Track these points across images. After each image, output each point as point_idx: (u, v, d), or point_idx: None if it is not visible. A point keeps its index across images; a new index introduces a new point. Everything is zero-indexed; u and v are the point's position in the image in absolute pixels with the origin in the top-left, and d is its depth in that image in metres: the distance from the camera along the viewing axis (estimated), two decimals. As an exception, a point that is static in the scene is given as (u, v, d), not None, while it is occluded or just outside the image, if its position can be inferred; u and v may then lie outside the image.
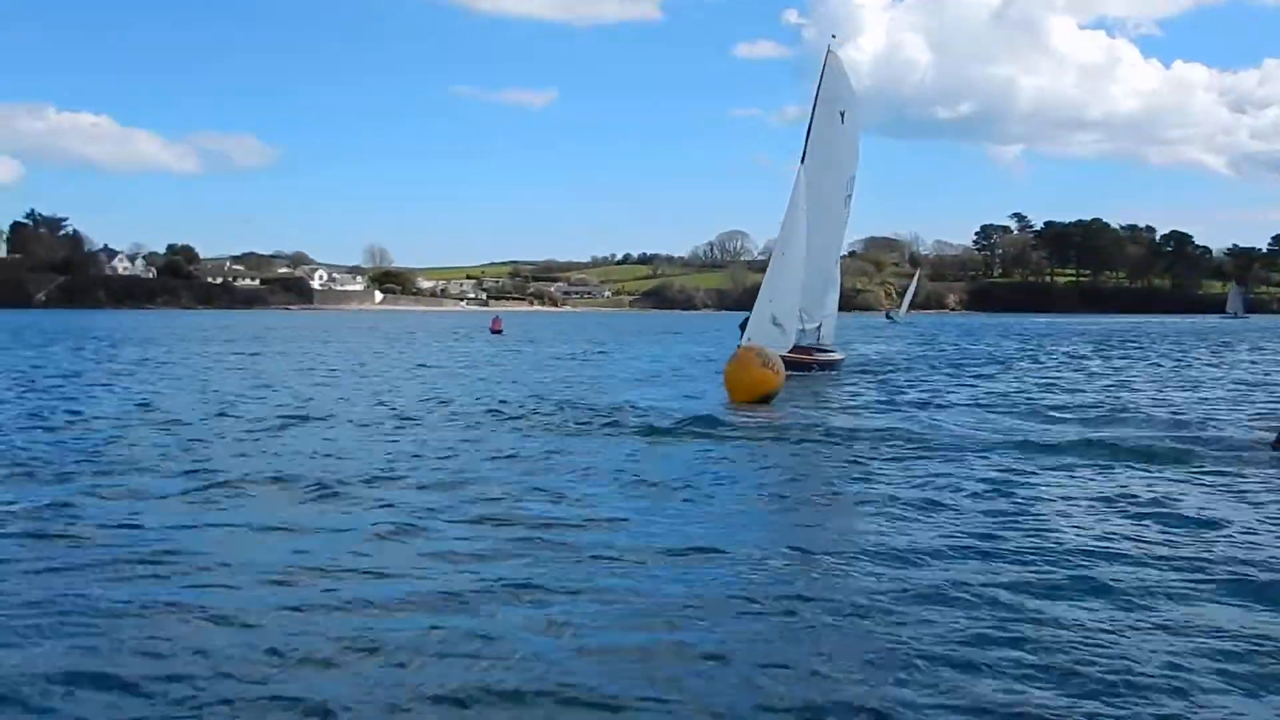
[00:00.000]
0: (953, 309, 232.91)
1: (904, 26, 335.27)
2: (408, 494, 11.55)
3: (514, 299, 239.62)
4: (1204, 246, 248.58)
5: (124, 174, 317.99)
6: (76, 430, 17.14)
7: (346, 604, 7.42)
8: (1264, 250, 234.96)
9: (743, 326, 29.74)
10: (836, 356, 33.64)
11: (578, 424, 18.29)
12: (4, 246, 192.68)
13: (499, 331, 74.35)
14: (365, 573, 8.25)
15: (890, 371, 34.28)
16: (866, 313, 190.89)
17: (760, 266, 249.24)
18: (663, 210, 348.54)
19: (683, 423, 18.11)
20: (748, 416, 19.52)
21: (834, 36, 34.11)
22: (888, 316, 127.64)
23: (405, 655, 6.45)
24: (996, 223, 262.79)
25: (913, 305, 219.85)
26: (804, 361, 30.12)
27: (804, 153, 31.08)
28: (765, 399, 22.32)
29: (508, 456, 14.56)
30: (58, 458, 14.06)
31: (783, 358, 26.65)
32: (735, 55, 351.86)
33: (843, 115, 31.88)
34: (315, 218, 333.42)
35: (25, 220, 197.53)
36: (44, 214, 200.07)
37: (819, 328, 33.52)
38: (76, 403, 21.80)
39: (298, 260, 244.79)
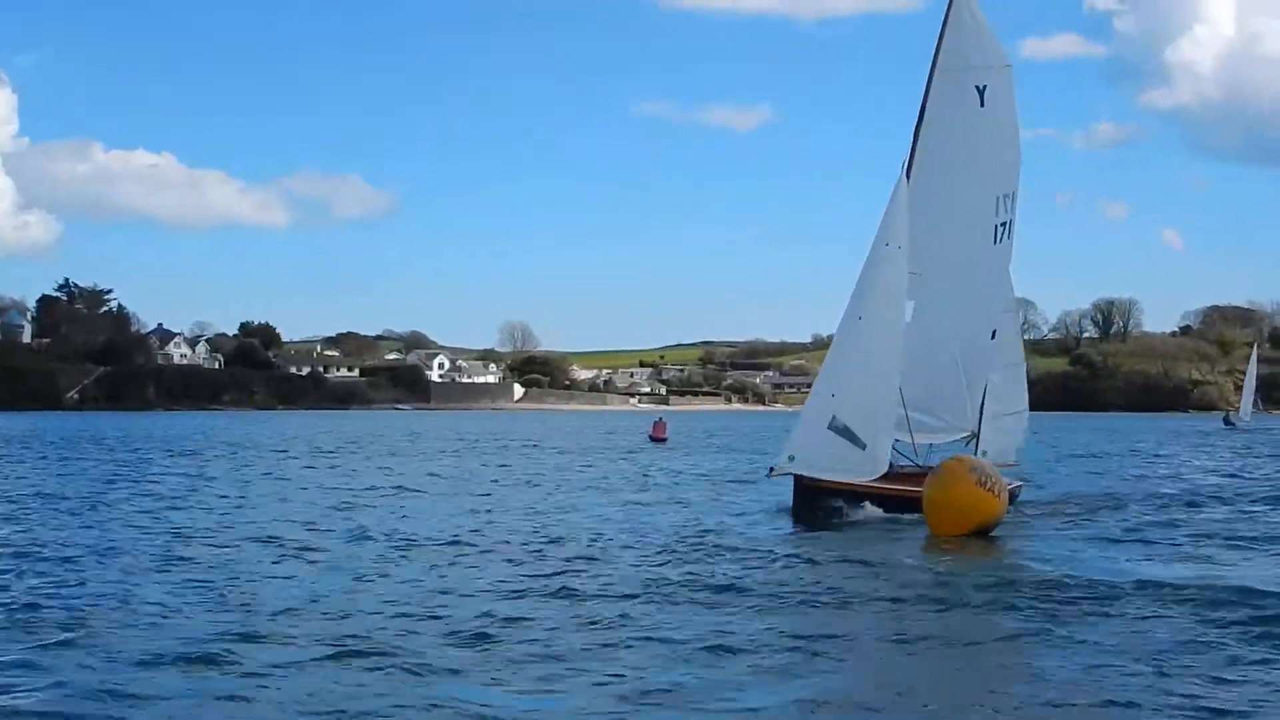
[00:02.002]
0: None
1: (1261, 10, 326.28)
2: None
3: (705, 394, 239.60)
4: None
5: (188, 230, 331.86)
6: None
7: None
8: None
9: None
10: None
11: (702, 587, 17.93)
12: (30, 329, 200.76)
13: (662, 439, 75.09)
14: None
15: (1189, 506, 31.13)
16: (1207, 414, 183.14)
17: (1053, 347, 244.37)
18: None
19: (848, 575, 18.47)
20: (955, 561, 19.89)
21: None
22: (1226, 421, 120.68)
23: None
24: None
25: (1277, 403, 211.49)
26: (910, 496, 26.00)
27: (910, 157, 28.11)
28: (982, 531, 22.73)
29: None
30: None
31: (866, 488, 26.01)
32: (1022, 54, 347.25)
33: (982, 92, 28.47)
34: (437, 285, 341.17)
35: (57, 294, 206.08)
36: (81, 285, 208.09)
37: (973, 438, 29.71)
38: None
39: (412, 343, 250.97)
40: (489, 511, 29.32)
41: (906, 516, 24.99)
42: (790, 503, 26.89)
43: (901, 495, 25.63)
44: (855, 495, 25.97)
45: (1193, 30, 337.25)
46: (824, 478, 25.98)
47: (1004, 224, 29.18)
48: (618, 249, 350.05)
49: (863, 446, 25.73)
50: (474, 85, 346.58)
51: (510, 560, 20.52)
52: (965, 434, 29.85)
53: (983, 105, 28.42)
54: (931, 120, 28.28)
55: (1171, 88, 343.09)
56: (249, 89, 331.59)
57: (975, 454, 28.92)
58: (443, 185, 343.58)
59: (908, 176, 27.42)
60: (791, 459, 26.39)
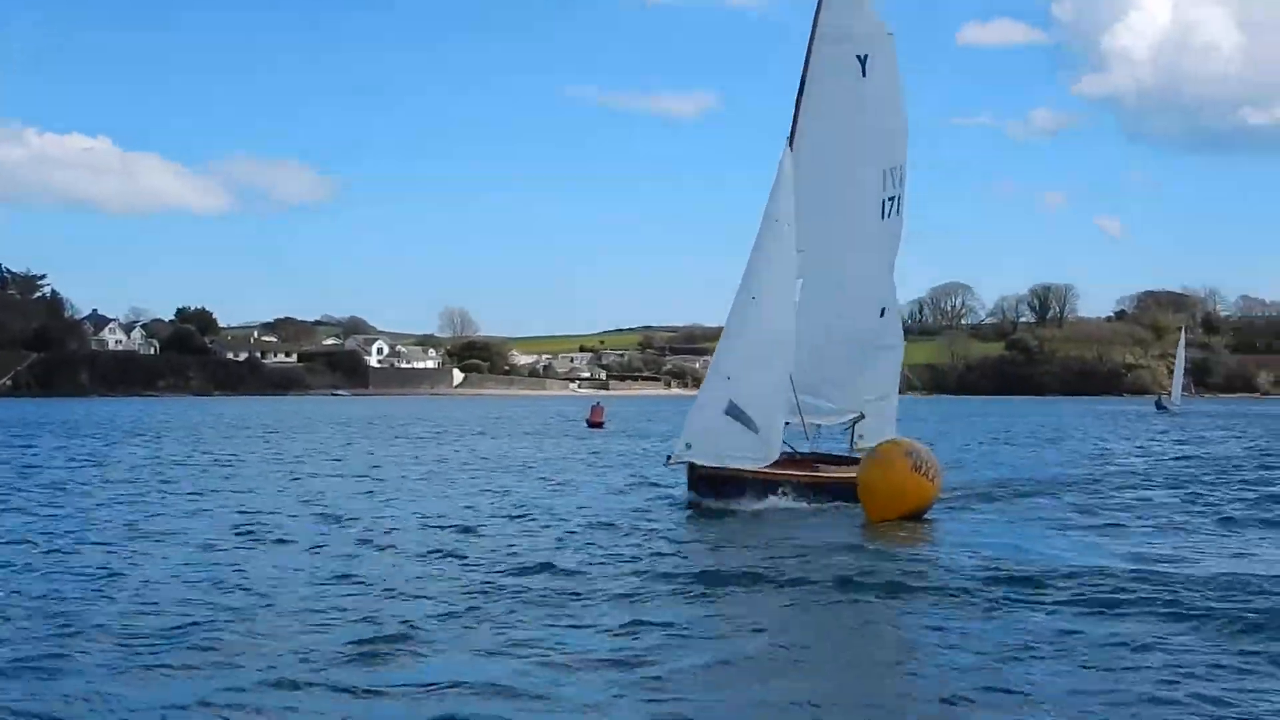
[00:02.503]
0: (1265, 393, 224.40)
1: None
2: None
3: (644, 379, 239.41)
4: None
5: (124, 215, 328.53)
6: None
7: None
8: None
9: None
10: None
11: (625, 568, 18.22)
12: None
13: (599, 424, 75.38)
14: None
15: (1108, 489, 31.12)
16: (1139, 398, 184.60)
17: (990, 331, 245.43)
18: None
19: (776, 561, 18.35)
20: (887, 544, 20.24)
21: None
22: (1158, 405, 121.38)
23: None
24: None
25: (1209, 386, 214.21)
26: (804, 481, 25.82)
27: (792, 130, 26.83)
28: (915, 515, 23.14)
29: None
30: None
31: (756, 474, 25.20)
32: (961, 41, 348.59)
33: (863, 62, 27.29)
34: (376, 271, 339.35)
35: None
36: (14, 271, 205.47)
37: (854, 422, 28.80)
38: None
39: (351, 328, 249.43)
40: (418, 499, 28.88)
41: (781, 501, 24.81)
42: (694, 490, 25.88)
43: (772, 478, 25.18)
44: (748, 483, 25.09)
45: (1129, 17, 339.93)
46: (720, 465, 25.11)
47: (892, 199, 28.03)
48: (558, 235, 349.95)
49: (756, 431, 24.86)
50: (416, 72, 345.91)
51: (431, 546, 20.32)
52: (853, 416, 28.84)
53: (864, 75, 27.26)
54: (812, 92, 27.08)
55: (1109, 75, 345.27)
56: (188, 72, 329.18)
57: (855, 439, 28.71)
58: (382, 171, 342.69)
59: (790, 146, 26.34)
60: (689, 446, 25.38)
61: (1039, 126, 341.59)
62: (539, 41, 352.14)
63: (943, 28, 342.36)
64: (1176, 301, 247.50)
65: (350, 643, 13.11)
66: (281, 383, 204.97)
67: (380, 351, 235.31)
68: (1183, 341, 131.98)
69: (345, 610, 14.89)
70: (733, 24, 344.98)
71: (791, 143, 26.58)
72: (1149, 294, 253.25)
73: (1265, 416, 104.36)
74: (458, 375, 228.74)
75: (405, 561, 18.95)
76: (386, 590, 16.28)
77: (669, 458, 26.63)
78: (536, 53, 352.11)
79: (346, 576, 17.39)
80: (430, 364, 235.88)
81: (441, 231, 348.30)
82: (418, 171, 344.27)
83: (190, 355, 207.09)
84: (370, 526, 23.15)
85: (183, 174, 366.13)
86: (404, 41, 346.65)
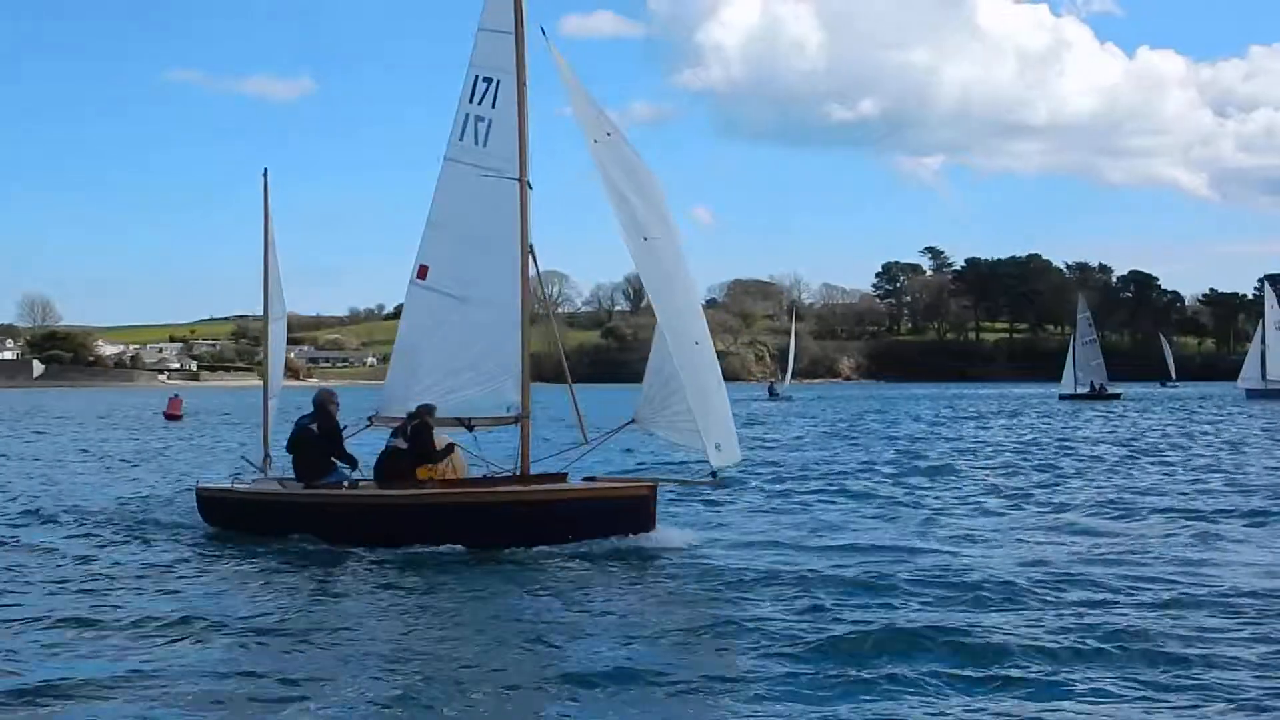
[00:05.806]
0: (848, 377, 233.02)
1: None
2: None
3: (237, 369, 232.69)
4: (1173, 291, 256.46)
5: None
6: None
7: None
8: (1250, 296, 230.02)
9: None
10: None
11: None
12: None
13: (177, 417, 73.73)
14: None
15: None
16: (732, 384, 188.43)
17: (587, 320, 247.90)
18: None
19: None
20: None
21: None
22: (770, 392, 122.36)
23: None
24: (905, 260, 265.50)
25: (795, 372, 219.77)
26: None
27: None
28: None
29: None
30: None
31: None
32: (563, 32, 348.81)
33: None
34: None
35: None
36: None
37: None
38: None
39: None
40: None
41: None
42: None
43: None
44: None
45: (721, 13, 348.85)
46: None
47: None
48: (146, 220, 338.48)
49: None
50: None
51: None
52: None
53: None
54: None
55: (702, 69, 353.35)
56: None
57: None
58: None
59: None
60: (719, 448, 18.46)
61: (636, 117, 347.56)
62: (135, 21, 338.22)
63: (546, 19, 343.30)
64: (764, 290, 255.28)
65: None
66: None
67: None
68: (794, 329, 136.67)
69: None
70: (328, 9, 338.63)
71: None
72: (738, 282, 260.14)
73: (871, 397, 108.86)
74: (38, 367, 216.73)
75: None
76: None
77: (713, 474, 18.89)
78: (135, 34, 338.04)
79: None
80: (8, 355, 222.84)
81: (21, 215, 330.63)
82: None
83: None
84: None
85: None
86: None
